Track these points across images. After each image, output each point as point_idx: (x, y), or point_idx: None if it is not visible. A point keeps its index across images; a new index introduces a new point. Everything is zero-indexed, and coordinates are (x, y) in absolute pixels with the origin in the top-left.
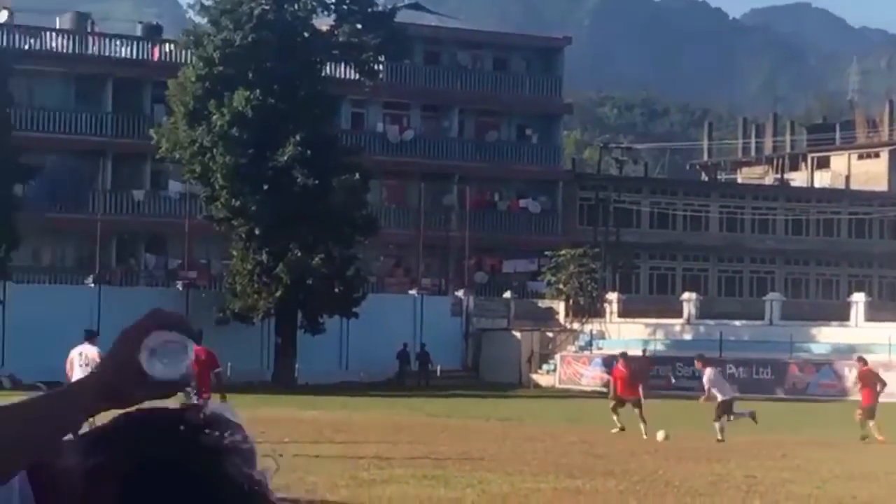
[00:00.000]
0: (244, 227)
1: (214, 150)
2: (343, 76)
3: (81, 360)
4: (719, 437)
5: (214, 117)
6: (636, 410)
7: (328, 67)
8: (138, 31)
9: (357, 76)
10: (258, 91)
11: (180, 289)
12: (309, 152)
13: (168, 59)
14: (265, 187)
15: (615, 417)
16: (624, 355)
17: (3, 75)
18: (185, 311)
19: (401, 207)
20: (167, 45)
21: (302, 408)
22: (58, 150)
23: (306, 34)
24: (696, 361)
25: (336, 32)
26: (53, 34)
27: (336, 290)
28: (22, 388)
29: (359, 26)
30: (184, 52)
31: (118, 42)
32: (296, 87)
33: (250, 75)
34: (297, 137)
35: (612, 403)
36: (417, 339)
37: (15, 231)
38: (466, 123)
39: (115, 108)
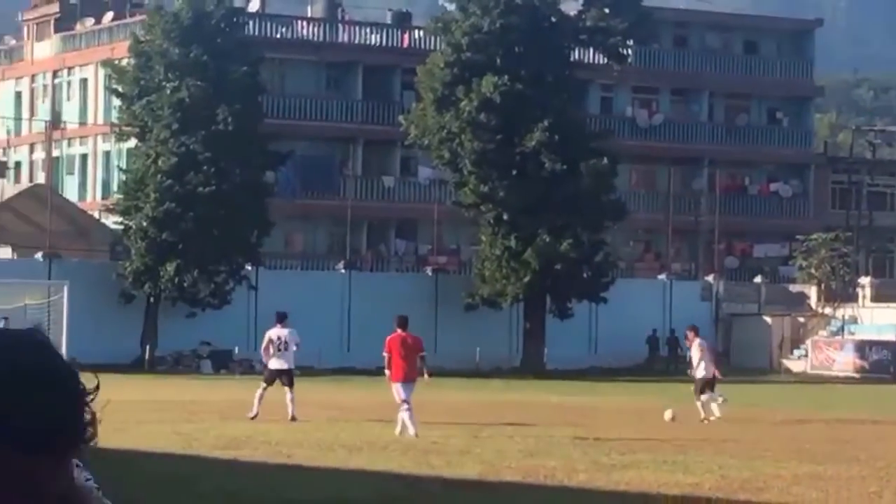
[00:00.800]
0: (492, 212)
1: (462, 136)
2: (591, 61)
3: (278, 343)
4: (703, 416)
5: (462, 103)
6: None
7: (576, 52)
8: (388, 19)
9: (605, 60)
10: (506, 76)
11: (429, 274)
12: (557, 137)
13: (417, 46)
14: (513, 172)
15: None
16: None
17: (254, 64)
18: (434, 296)
19: (649, 192)
20: (416, 31)
21: (549, 392)
22: (309, 137)
23: (554, 19)
24: (686, 332)
25: (583, 17)
26: (305, 22)
27: (585, 275)
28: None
29: (606, 10)
30: (433, 38)
31: (368, 29)
32: (543, 72)
33: (498, 61)
34: (545, 122)
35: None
36: (667, 325)
37: (266, 217)
38: (716, 107)
39: (366, 95)
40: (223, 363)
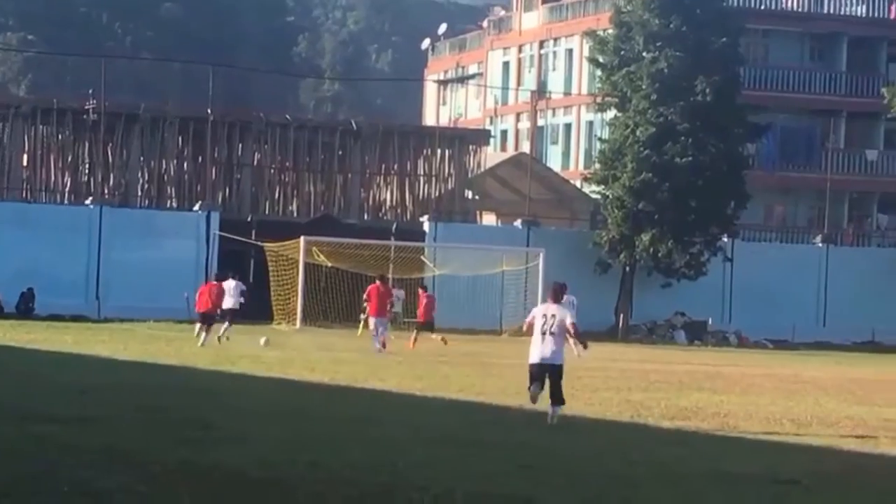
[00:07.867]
0: None
1: None
2: None
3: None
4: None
5: None
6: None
7: None
8: None
9: None
10: None
11: None
12: None
13: None
14: None
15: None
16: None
17: (734, 34)
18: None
19: None
20: None
21: None
22: (790, 109)
23: None
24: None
25: None
26: None
27: None
28: (747, 345)
29: None
30: None
31: (854, 0)
32: None
33: None
34: None
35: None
36: None
37: (743, 189)
38: None
39: (850, 67)
40: (697, 334)
